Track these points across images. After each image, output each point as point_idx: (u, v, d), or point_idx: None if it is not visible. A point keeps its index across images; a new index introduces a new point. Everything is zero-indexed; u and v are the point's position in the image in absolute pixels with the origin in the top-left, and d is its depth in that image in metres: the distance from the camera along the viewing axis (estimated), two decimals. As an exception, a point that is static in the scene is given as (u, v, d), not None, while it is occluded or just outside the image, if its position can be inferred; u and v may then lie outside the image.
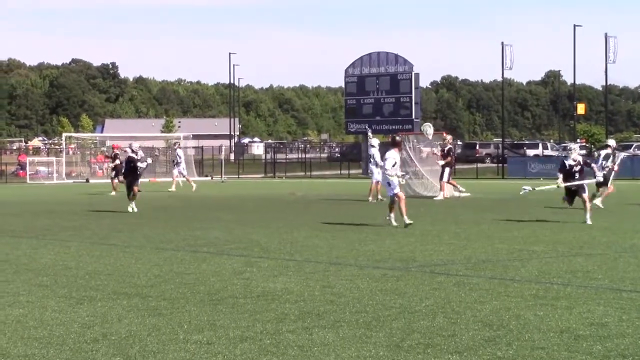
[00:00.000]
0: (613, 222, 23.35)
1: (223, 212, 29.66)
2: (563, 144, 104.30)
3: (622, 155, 33.18)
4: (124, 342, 9.37)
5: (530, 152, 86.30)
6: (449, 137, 37.96)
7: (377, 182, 33.00)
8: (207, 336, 9.59)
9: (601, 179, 27.37)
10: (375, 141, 34.80)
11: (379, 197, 33.35)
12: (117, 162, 41.40)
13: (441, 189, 35.39)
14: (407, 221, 21.98)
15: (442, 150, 36.16)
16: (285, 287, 12.80)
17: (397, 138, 23.70)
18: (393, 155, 22.62)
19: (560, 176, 23.48)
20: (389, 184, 22.72)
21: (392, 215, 22.70)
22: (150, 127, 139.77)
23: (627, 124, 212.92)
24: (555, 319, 10.26)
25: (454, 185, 36.60)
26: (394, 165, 22.44)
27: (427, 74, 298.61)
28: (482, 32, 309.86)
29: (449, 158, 35.66)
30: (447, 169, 35.44)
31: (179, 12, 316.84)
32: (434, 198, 34.98)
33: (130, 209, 29.46)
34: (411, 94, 68.39)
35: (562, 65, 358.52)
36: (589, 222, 22.31)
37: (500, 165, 68.46)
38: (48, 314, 11.03)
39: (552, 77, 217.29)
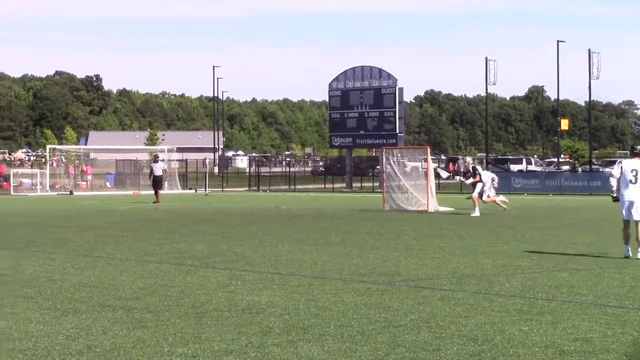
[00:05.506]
0: (597, 238, 23.42)
1: (207, 225, 29.60)
2: (547, 160, 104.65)
3: None
4: (108, 355, 9.35)
5: (514, 167, 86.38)
6: None
7: None
8: (192, 349, 9.57)
9: None
10: None
11: None
12: None
13: None
14: None
15: None
16: (270, 301, 12.78)
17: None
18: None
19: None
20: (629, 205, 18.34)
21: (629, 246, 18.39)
22: (134, 140, 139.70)
23: (611, 139, 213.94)
24: (539, 334, 10.28)
25: None
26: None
27: (411, 89, 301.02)
28: (466, 47, 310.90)
29: None
30: None
31: (162, 25, 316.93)
32: None
33: None
34: (395, 108, 68.51)
35: (545, 80, 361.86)
36: None
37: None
38: (32, 326, 10.98)
39: (536, 93, 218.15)
